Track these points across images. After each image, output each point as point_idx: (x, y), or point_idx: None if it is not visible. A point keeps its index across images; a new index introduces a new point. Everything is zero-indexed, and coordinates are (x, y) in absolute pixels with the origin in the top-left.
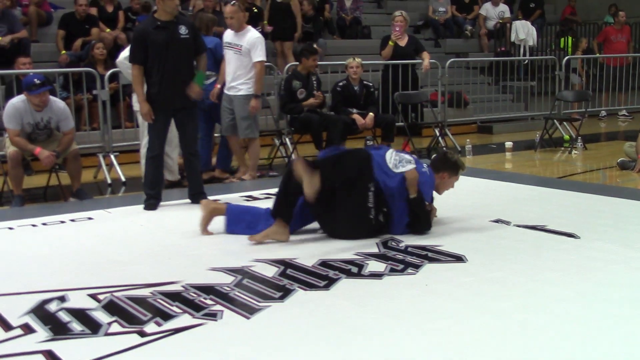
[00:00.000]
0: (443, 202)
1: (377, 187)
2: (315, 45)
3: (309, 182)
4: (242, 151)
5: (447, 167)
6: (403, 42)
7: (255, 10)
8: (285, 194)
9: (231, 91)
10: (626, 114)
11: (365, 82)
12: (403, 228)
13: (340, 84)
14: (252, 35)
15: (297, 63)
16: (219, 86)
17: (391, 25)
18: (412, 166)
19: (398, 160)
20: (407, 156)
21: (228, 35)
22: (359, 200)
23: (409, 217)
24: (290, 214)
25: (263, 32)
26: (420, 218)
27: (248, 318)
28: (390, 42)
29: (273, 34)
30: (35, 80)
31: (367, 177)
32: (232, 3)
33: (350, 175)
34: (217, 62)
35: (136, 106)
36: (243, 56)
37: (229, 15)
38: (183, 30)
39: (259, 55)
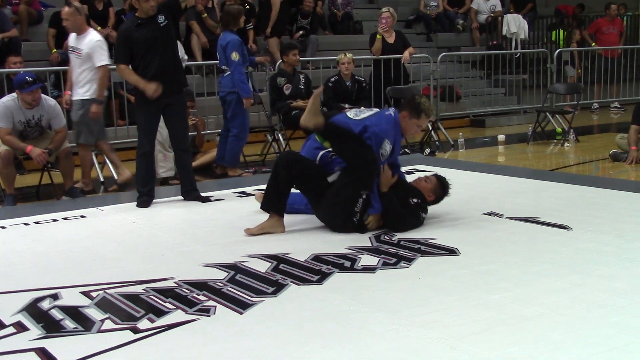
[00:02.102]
0: None
1: (369, 196)
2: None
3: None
4: (86, 161)
5: (409, 106)
6: (391, 39)
7: (247, 7)
8: (276, 188)
9: (74, 96)
10: (618, 106)
11: (357, 78)
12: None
13: (332, 79)
14: (92, 38)
15: (281, 60)
16: (69, 92)
17: (378, 20)
18: (370, 112)
19: (359, 111)
20: (375, 110)
21: (71, 38)
22: (348, 201)
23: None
24: (283, 207)
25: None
26: (389, 213)
27: (241, 313)
28: (377, 36)
29: (264, 32)
30: (27, 77)
31: (364, 184)
32: (68, 4)
33: (355, 162)
34: (227, 58)
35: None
36: (83, 60)
37: (64, 17)
38: (161, 19)
39: (101, 59)
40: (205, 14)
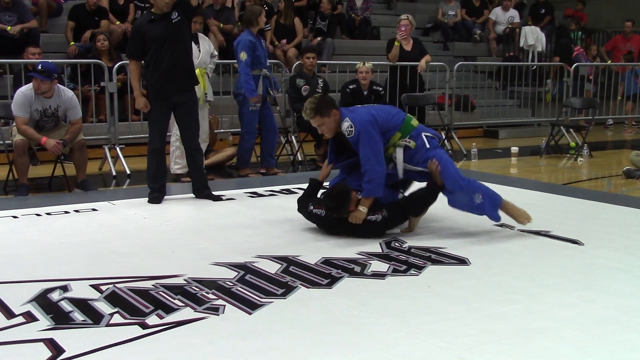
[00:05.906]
0: (446, 205)
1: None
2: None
3: None
4: None
5: None
6: (408, 47)
7: (266, 8)
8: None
9: None
10: (633, 122)
11: (374, 88)
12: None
13: (351, 87)
14: None
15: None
16: None
17: (397, 26)
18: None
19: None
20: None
21: None
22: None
23: None
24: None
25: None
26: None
27: (250, 314)
28: (395, 43)
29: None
30: (39, 67)
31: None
32: None
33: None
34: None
35: None
36: None
37: None
38: (175, 15)
39: None
40: (221, 25)
